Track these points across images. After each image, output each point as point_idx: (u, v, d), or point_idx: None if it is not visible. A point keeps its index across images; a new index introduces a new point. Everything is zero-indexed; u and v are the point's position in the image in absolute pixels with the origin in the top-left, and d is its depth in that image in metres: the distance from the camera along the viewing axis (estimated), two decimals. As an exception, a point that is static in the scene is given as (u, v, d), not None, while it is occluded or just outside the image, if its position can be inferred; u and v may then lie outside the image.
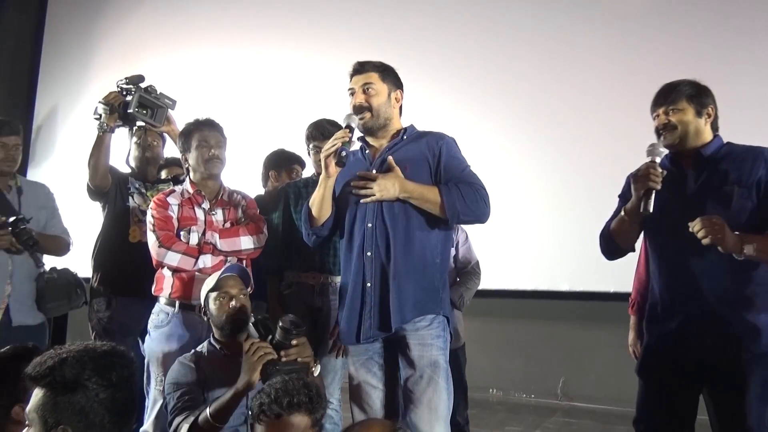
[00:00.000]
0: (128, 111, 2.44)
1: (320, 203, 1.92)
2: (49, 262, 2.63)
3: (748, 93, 3.72)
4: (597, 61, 4.19)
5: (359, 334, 1.85)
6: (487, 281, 4.36)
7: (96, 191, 2.61)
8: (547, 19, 4.37)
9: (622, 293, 2.90)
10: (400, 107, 1.99)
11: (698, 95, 1.87)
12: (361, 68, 1.93)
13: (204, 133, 2.29)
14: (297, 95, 5.00)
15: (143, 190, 2.65)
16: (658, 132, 1.91)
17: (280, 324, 1.74)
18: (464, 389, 2.82)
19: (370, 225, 1.87)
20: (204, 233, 2.25)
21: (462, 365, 2.82)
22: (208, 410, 1.70)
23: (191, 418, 1.72)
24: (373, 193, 1.82)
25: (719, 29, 3.90)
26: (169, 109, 2.54)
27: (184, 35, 5.62)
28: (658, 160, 1.83)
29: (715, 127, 1.91)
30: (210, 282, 1.98)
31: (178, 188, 2.38)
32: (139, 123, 2.55)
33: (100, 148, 2.49)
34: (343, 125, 1.87)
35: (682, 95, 1.87)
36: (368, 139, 1.98)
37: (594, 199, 4.13)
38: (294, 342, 1.74)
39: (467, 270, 2.91)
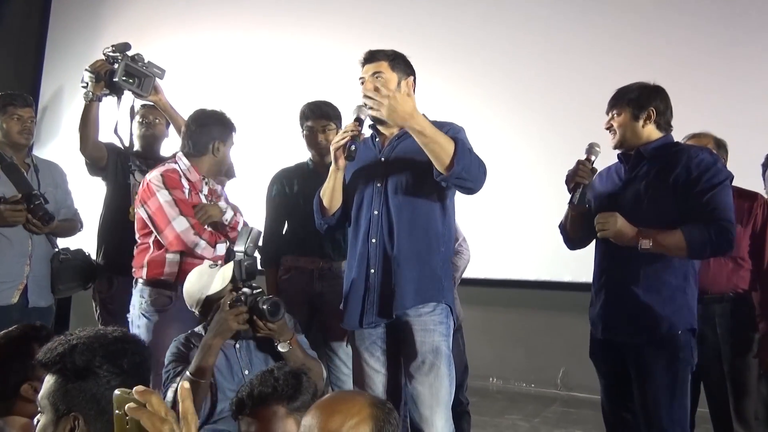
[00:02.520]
0: (114, 80, 2.38)
1: (331, 194, 1.95)
2: (61, 242, 2.66)
3: (752, 87, 3.73)
4: (604, 53, 4.16)
5: (362, 319, 1.87)
6: (490, 271, 4.39)
7: (92, 164, 2.59)
8: (556, 10, 4.34)
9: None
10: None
11: (638, 98, 1.99)
12: (371, 57, 1.93)
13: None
14: (305, 80, 4.97)
15: (145, 168, 2.61)
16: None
17: (266, 306, 1.72)
18: (466, 369, 2.81)
19: (376, 212, 1.88)
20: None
21: (462, 345, 2.81)
22: (187, 371, 1.71)
23: (177, 380, 1.73)
24: (379, 109, 1.69)
25: (727, 25, 3.87)
26: (156, 78, 2.48)
27: (194, 16, 5.58)
28: (593, 158, 2.04)
29: (662, 126, 1.99)
30: (202, 289, 1.90)
31: (176, 166, 2.29)
32: (126, 92, 2.49)
33: (87, 117, 2.47)
34: (353, 117, 1.86)
35: (623, 100, 2.01)
36: (379, 127, 1.97)
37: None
38: (270, 326, 1.74)
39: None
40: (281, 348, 1.77)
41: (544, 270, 4.31)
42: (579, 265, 4.09)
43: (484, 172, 1.81)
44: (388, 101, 1.68)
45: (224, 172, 2.45)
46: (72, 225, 2.67)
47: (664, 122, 1.99)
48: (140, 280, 2.27)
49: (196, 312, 1.92)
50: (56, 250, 2.55)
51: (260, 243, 2.49)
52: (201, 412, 1.72)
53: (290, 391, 1.41)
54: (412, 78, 1.96)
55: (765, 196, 2.41)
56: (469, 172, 1.75)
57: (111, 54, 2.42)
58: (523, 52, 4.41)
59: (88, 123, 2.47)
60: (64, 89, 5.93)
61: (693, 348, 1.89)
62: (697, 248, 1.82)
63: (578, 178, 1.98)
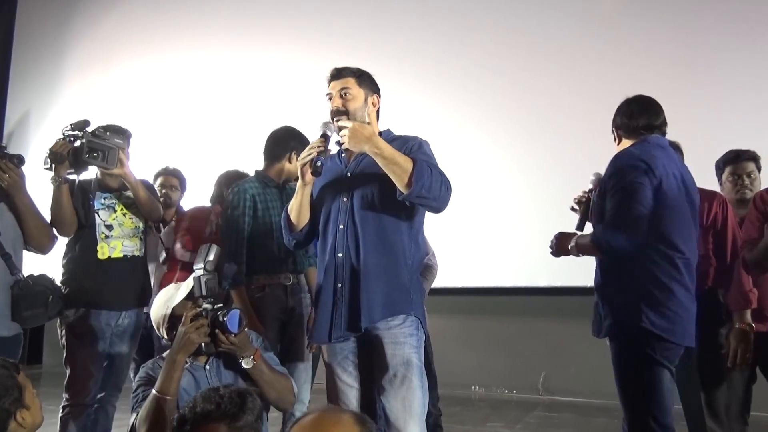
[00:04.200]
0: (79, 158, 2.36)
1: (298, 210, 1.96)
2: (25, 270, 2.55)
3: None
4: (581, 59, 4.26)
5: (330, 333, 1.86)
6: (467, 279, 4.42)
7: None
8: (530, 17, 4.43)
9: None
10: (378, 111, 2.01)
11: (613, 123, 2.12)
12: (338, 74, 1.96)
13: None
14: (275, 98, 4.98)
15: (111, 202, 2.57)
16: None
17: (226, 318, 1.72)
18: (435, 380, 2.83)
19: (342, 226, 1.88)
20: None
21: (430, 357, 2.83)
22: (153, 389, 1.69)
23: (143, 404, 1.71)
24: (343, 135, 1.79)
25: (706, 28, 3.99)
26: (120, 150, 2.43)
27: (160, 37, 5.57)
28: (590, 186, 2.20)
29: (631, 136, 2.06)
30: (167, 302, 1.89)
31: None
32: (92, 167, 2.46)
33: (60, 201, 2.41)
34: (319, 133, 1.88)
35: (614, 124, 2.13)
36: None
37: (572, 196, 4.20)
38: (232, 339, 1.73)
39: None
40: (245, 364, 1.75)
41: (520, 276, 4.35)
42: (554, 270, 4.16)
43: (448, 190, 1.82)
44: (349, 131, 1.78)
45: None
46: (46, 225, 2.44)
47: (629, 131, 2.06)
48: None
49: (163, 333, 1.88)
50: (17, 277, 2.44)
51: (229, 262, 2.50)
52: None
53: (234, 410, 1.36)
54: (376, 95, 1.99)
55: (724, 195, 2.49)
56: (429, 191, 1.76)
57: (70, 133, 2.39)
58: (497, 61, 4.48)
59: (62, 207, 2.42)
60: (31, 114, 5.85)
61: (656, 348, 1.86)
62: (605, 251, 1.92)
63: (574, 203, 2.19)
